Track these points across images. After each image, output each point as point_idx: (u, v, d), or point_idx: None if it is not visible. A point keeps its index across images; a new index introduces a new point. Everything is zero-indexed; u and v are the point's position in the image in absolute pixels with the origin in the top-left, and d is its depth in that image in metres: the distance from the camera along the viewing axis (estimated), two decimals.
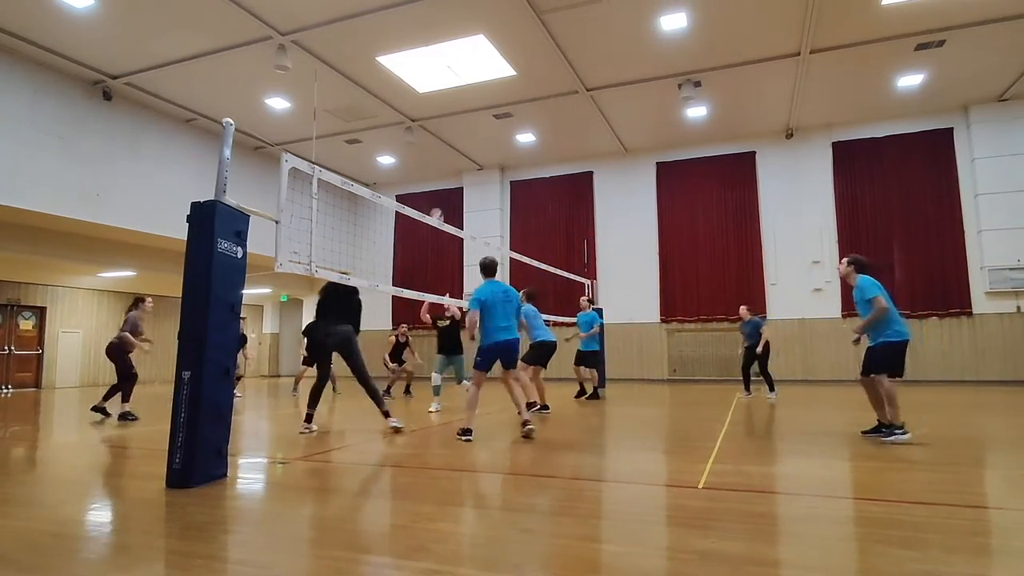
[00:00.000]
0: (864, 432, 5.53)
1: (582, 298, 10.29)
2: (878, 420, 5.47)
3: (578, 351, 9.86)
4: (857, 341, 5.60)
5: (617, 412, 8.16)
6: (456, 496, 3.72)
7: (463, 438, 5.59)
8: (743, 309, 9.84)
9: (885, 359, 5.34)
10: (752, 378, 9.80)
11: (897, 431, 5.17)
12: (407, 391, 11.30)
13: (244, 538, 2.91)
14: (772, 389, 9.40)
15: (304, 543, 2.76)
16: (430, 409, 8.08)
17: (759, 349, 9.23)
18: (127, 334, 7.90)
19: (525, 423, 5.69)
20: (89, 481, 4.25)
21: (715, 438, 5.53)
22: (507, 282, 16.22)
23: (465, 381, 8.83)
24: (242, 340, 10.98)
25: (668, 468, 4.60)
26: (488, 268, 6.09)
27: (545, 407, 7.82)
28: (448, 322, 8.86)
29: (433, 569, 2.34)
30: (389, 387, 11.31)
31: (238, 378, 10.76)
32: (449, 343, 8.77)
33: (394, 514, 3.31)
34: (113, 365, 7.95)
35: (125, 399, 7.90)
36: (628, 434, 6.40)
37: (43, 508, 3.41)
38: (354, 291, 6.48)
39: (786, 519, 3.15)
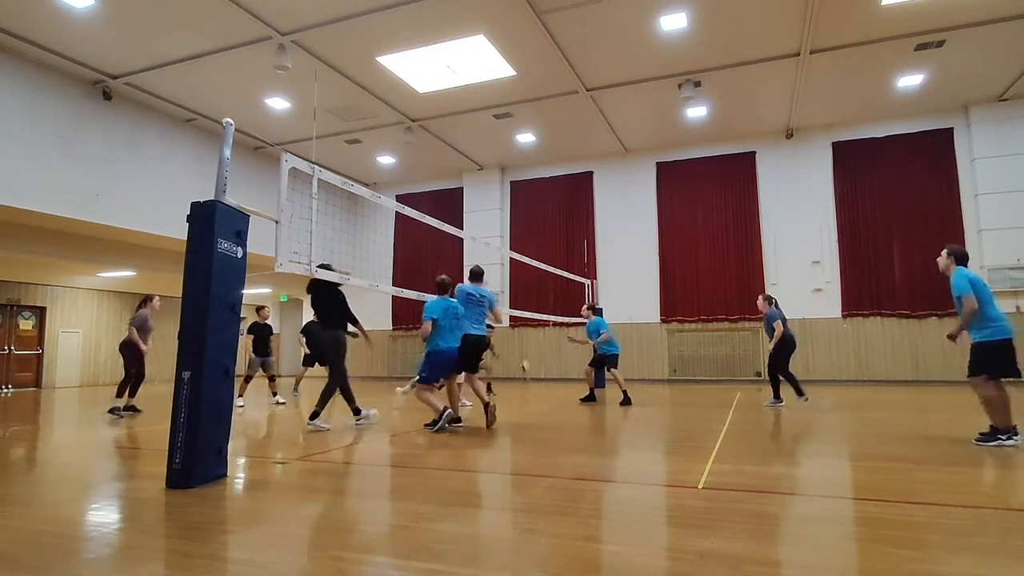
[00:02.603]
0: (978, 438, 5.02)
1: (583, 308, 10.25)
2: (990, 425, 5.03)
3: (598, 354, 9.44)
4: (954, 339, 5.30)
5: (617, 412, 8.16)
6: (456, 496, 3.72)
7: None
8: (760, 300, 8.57)
9: (981, 360, 5.02)
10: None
11: (1002, 436, 4.85)
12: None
13: (244, 538, 2.91)
14: (777, 396, 8.28)
15: (304, 543, 2.76)
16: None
17: (771, 346, 8.16)
18: (133, 330, 8.21)
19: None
20: (89, 481, 4.26)
21: (715, 438, 5.53)
22: (507, 282, 16.30)
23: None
24: (268, 330, 10.10)
25: (668, 468, 4.60)
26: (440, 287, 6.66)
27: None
28: None
29: (434, 569, 2.34)
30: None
31: (272, 378, 10.07)
32: None
33: (394, 514, 3.31)
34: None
35: (131, 394, 8.20)
36: (628, 434, 6.40)
37: (43, 508, 3.41)
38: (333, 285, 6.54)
39: (786, 519, 3.15)
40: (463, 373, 6.83)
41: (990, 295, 5.14)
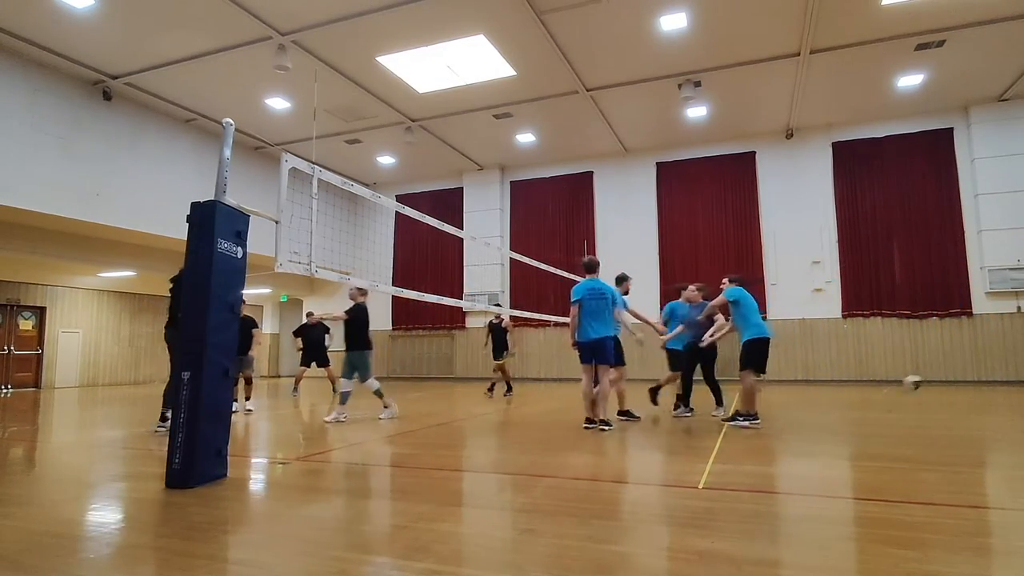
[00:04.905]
0: (726, 419, 6.38)
1: (694, 288, 7.64)
2: (735, 410, 6.35)
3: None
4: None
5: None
6: (456, 496, 3.72)
7: (599, 427, 6.15)
8: (692, 289, 7.48)
9: (748, 356, 6.26)
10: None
11: (740, 418, 6.13)
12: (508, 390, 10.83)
13: (244, 538, 2.91)
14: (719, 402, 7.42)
15: (304, 543, 2.76)
16: (327, 419, 7.04)
17: (704, 343, 6.97)
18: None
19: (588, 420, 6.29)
20: (89, 481, 4.25)
21: (715, 438, 5.53)
22: (505, 282, 16.31)
23: (372, 382, 7.35)
24: (249, 323, 8.61)
25: (668, 468, 4.59)
26: (587, 267, 6.68)
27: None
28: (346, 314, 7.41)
29: (434, 569, 2.34)
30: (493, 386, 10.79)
31: (248, 380, 8.76)
32: (351, 337, 7.27)
33: (394, 514, 3.31)
34: None
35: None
36: (629, 434, 6.39)
37: (43, 508, 3.41)
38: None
39: (786, 519, 3.15)
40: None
41: (755, 306, 6.45)
